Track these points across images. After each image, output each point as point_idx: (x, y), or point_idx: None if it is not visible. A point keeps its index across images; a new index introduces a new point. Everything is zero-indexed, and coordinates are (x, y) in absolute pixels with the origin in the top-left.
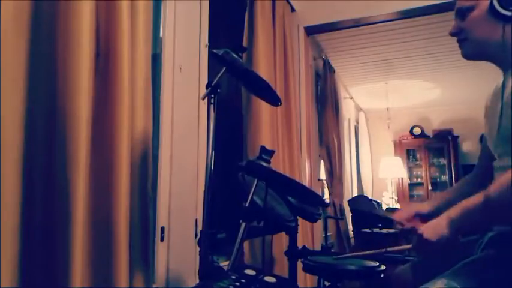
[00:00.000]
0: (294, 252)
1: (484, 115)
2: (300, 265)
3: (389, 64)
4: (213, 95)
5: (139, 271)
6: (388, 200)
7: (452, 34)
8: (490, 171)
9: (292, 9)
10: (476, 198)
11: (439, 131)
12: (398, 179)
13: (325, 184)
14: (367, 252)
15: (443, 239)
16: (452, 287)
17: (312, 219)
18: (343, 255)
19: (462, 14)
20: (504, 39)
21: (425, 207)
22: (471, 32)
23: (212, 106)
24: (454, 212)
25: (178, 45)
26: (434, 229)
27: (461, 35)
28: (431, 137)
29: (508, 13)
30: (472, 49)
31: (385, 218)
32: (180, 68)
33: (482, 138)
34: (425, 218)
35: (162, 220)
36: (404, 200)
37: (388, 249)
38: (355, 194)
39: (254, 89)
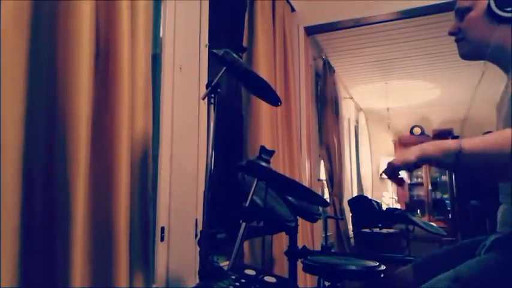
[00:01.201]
0: (294, 252)
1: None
2: (300, 265)
3: (389, 64)
4: (213, 95)
5: (139, 271)
6: (388, 200)
7: (450, 33)
8: None
9: (292, 9)
10: (451, 144)
11: (439, 131)
12: None
13: (325, 184)
14: None
15: (408, 165)
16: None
17: (312, 219)
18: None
19: (461, 14)
20: (499, 40)
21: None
22: (468, 32)
23: (212, 106)
24: (430, 146)
25: (178, 45)
26: (402, 155)
27: (459, 35)
28: (431, 137)
29: (504, 14)
30: (469, 49)
31: (388, 212)
32: (180, 68)
33: None
34: None
35: (162, 220)
36: (405, 200)
37: None
38: (355, 194)
39: (254, 89)
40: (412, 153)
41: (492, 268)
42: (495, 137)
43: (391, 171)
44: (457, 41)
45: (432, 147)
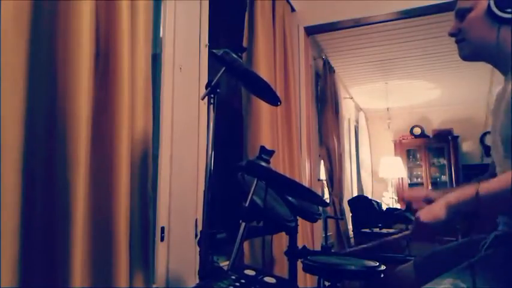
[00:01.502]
0: (294, 252)
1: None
2: (300, 265)
3: (389, 64)
4: (212, 95)
5: (139, 271)
6: (388, 200)
7: (450, 34)
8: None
9: (292, 9)
10: (471, 190)
11: (439, 131)
12: (398, 179)
13: (325, 184)
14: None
15: (439, 222)
16: (459, 287)
17: (312, 219)
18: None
19: (461, 15)
20: (499, 41)
21: (435, 194)
22: (469, 33)
23: (212, 106)
24: (452, 197)
25: (178, 45)
26: (430, 212)
27: (459, 36)
28: (431, 137)
29: (504, 15)
30: (469, 50)
31: (388, 212)
32: (180, 68)
33: (482, 138)
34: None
35: (162, 220)
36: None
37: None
38: (355, 194)
39: (254, 89)
40: (439, 209)
41: (494, 264)
42: (507, 176)
43: (424, 233)
44: (457, 42)
45: (453, 198)
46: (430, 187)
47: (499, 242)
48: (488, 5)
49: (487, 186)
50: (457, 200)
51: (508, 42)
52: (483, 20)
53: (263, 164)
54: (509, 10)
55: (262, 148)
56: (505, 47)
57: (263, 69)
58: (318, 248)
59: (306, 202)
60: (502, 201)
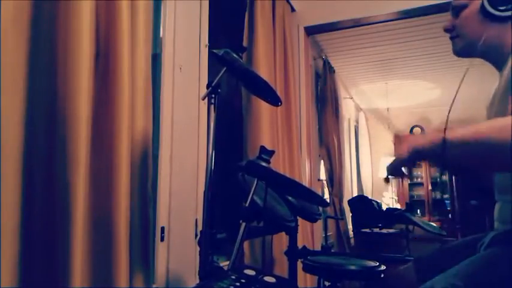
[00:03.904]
0: (294, 252)
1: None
2: (300, 265)
3: (389, 64)
4: (213, 95)
5: (139, 271)
6: (388, 200)
7: (445, 30)
8: None
9: (292, 9)
10: (441, 134)
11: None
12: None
13: (325, 184)
14: None
15: (401, 162)
16: (457, 285)
17: (312, 219)
18: None
19: (456, 11)
20: (491, 37)
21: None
22: (462, 29)
23: (212, 106)
24: (418, 141)
25: (178, 45)
26: (396, 152)
27: (453, 32)
28: None
29: (497, 13)
30: (462, 46)
31: (388, 212)
32: (180, 68)
33: None
34: None
35: (162, 220)
36: (405, 200)
37: None
38: (355, 194)
39: (254, 89)
40: (403, 149)
41: (492, 264)
42: (482, 126)
43: (391, 171)
44: (451, 38)
45: (421, 139)
46: (430, 187)
47: (497, 241)
48: (482, 3)
49: (458, 133)
50: (422, 143)
51: (501, 39)
52: (477, 17)
53: (263, 164)
54: (502, 8)
55: (262, 148)
56: (498, 44)
57: (263, 69)
58: (318, 248)
59: (306, 202)
60: (470, 152)
